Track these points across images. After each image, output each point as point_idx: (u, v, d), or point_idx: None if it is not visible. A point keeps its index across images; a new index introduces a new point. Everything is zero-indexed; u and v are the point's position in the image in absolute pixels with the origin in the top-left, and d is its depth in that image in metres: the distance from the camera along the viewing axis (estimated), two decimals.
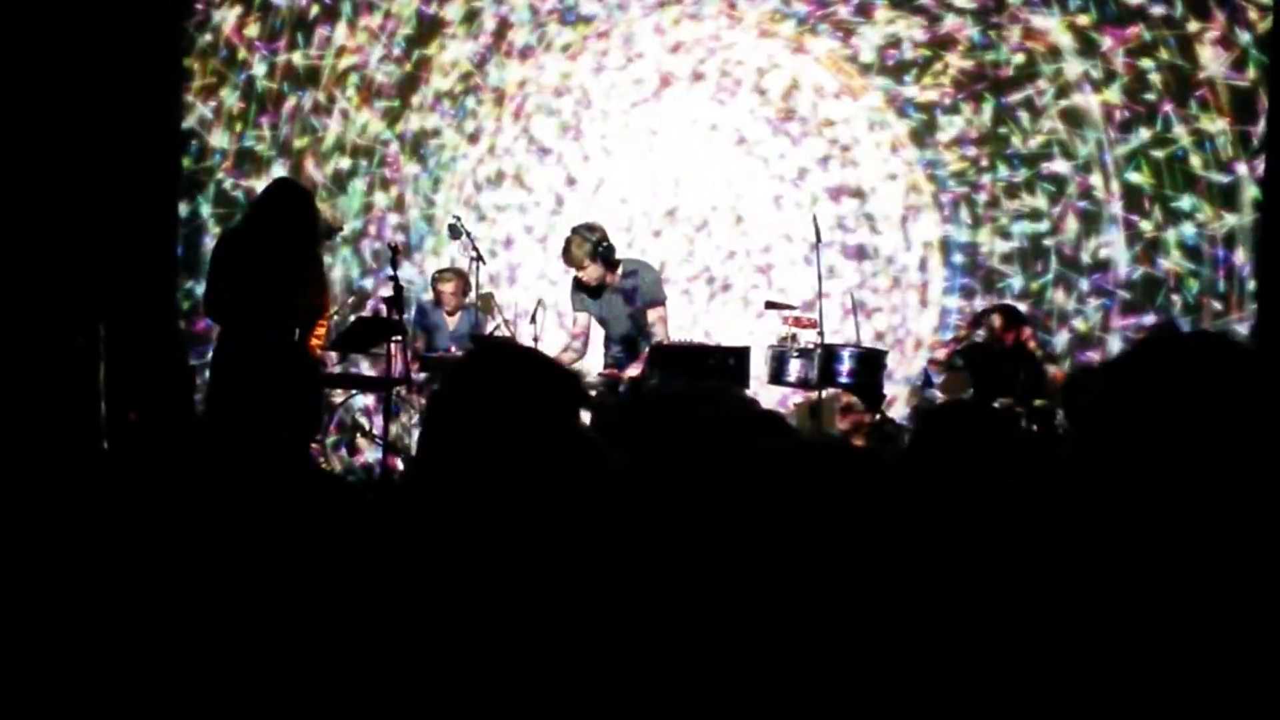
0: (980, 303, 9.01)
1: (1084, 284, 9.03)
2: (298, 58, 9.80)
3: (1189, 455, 1.79)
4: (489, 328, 8.90)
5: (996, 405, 7.83)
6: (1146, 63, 8.89)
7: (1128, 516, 1.81)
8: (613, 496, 2.09)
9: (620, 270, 7.92)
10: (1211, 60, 8.79)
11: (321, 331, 7.38)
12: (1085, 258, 9.02)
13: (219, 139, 9.84)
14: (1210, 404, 1.80)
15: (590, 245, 7.74)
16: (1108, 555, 1.90)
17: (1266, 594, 1.76)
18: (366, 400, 9.01)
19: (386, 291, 7.80)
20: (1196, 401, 1.81)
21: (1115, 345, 8.82)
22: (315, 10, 9.78)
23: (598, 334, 8.21)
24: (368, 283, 9.70)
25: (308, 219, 6.66)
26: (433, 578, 2.08)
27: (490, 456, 2.11)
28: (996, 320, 8.39)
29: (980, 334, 8.44)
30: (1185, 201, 8.89)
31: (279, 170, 9.58)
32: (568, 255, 7.85)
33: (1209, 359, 1.85)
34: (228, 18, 9.82)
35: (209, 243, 9.72)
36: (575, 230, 7.90)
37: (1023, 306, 8.78)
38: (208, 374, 8.55)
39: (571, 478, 2.07)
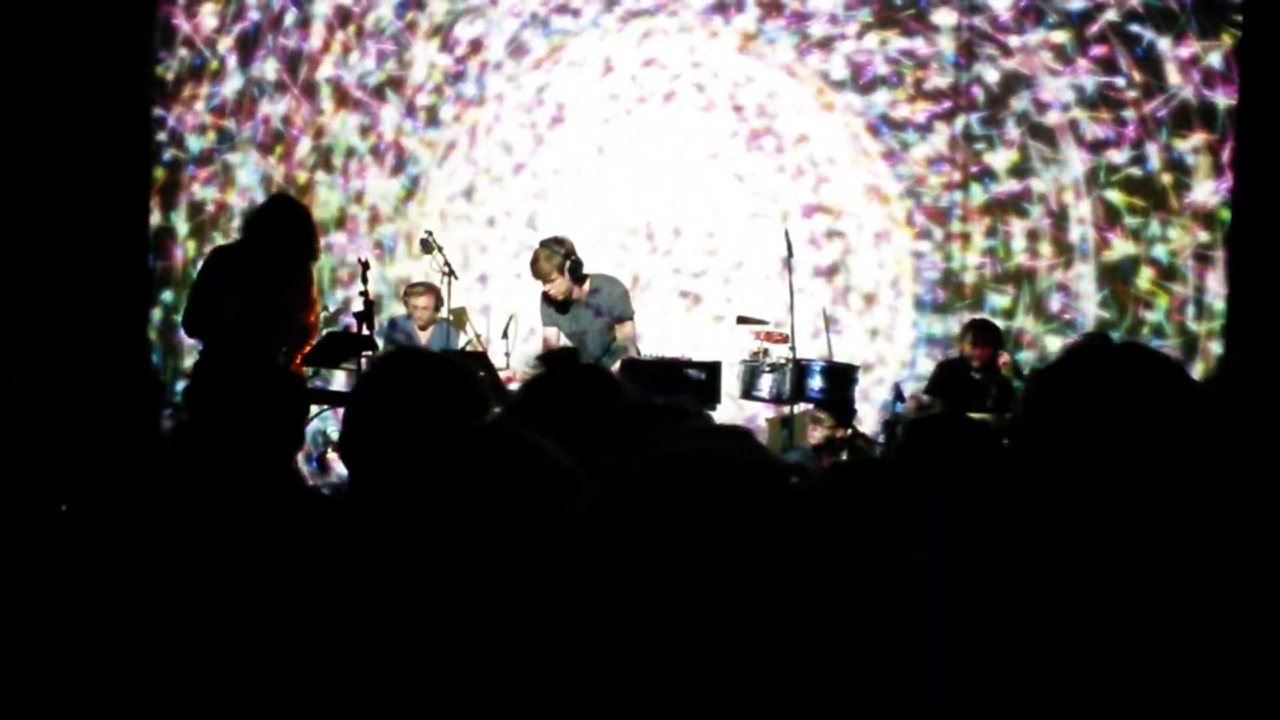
0: (953, 321, 9.05)
1: (1054, 303, 9.05)
2: (271, 69, 9.78)
3: (1125, 454, 1.83)
4: (461, 342, 8.88)
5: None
6: (1119, 81, 8.93)
7: (1067, 511, 1.84)
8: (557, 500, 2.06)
9: (588, 285, 7.92)
10: (1183, 79, 8.84)
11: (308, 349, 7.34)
12: (1057, 275, 9.05)
13: (191, 147, 9.82)
14: (1142, 407, 1.85)
15: (558, 258, 7.74)
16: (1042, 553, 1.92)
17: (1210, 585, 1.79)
18: (338, 416, 8.98)
19: (358, 306, 7.78)
20: (1131, 404, 1.86)
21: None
22: (290, 18, 9.77)
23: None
24: (339, 295, 9.67)
25: (304, 238, 6.61)
26: (367, 587, 2.06)
27: (400, 462, 2.10)
28: (970, 336, 8.43)
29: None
30: (1156, 219, 8.93)
31: (247, 179, 9.60)
32: (535, 268, 7.85)
33: (1137, 366, 1.91)
34: (201, 27, 9.80)
35: (179, 254, 9.71)
36: (543, 243, 7.91)
37: (999, 323, 8.81)
38: (183, 385, 8.53)
39: (499, 484, 2.05)
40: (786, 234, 8.35)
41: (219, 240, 9.26)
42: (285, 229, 6.53)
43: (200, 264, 7.01)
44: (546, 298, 7.93)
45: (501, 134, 9.67)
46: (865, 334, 9.30)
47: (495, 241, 9.68)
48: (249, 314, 6.37)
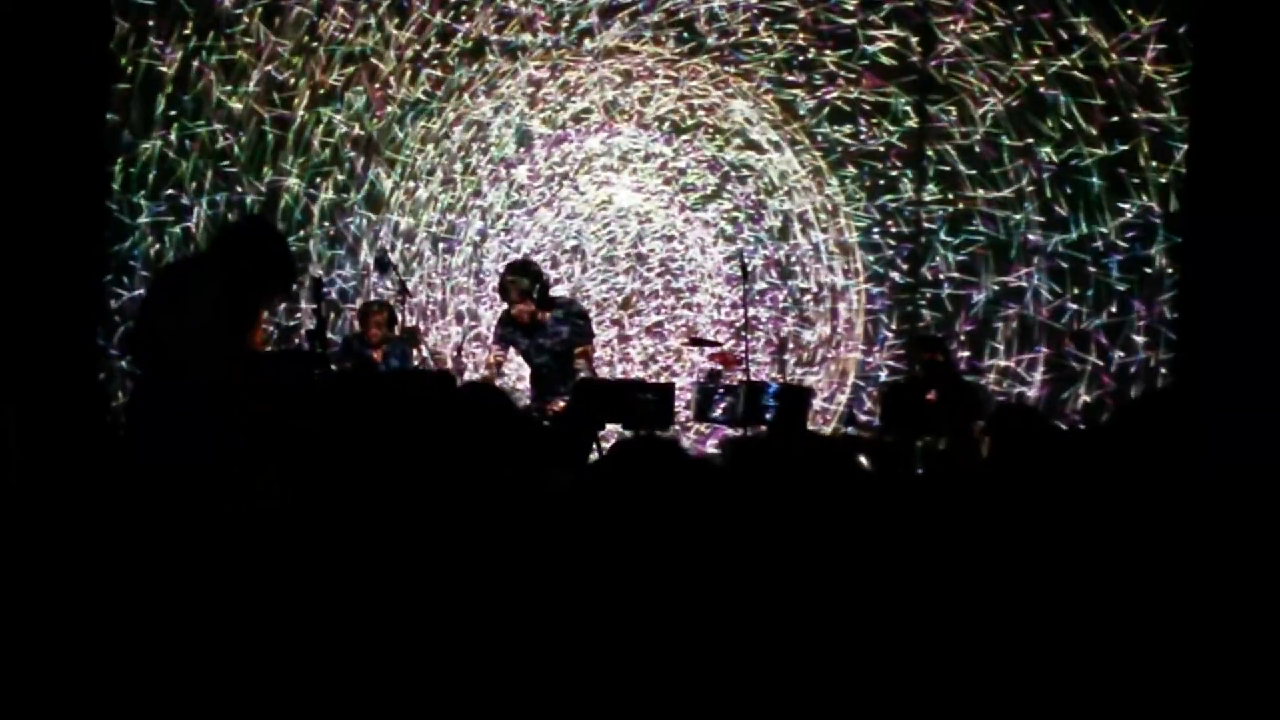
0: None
1: (1000, 347, 9.10)
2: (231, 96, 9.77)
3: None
4: (414, 362, 8.86)
5: (921, 444, 7.89)
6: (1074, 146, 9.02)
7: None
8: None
9: (550, 309, 7.91)
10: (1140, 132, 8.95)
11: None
12: (1011, 307, 9.11)
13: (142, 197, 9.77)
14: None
15: (527, 282, 7.73)
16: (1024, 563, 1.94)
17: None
18: None
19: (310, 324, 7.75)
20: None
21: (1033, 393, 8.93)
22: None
23: (522, 369, 8.19)
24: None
25: (276, 271, 6.00)
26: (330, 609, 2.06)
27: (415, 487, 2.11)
28: (915, 353, 8.41)
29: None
30: (1104, 246, 9.01)
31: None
32: (503, 291, 7.83)
33: None
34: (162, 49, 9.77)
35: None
36: (510, 266, 7.90)
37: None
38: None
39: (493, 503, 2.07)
40: (742, 257, 8.38)
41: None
42: (257, 259, 5.89)
43: (152, 280, 6.70)
44: (509, 318, 7.91)
45: (463, 155, 9.68)
46: (819, 357, 9.33)
47: (450, 265, 9.67)
48: (204, 340, 6.03)
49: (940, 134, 9.15)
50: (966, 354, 9.06)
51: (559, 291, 8.83)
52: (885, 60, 9.21)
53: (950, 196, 9.15)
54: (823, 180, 9.33)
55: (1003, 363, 9.05)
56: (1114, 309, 8.92)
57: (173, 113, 9.73)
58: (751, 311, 8.56)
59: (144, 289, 7.21)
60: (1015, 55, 9.04)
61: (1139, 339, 8.89)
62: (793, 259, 9.37)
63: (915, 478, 7.31)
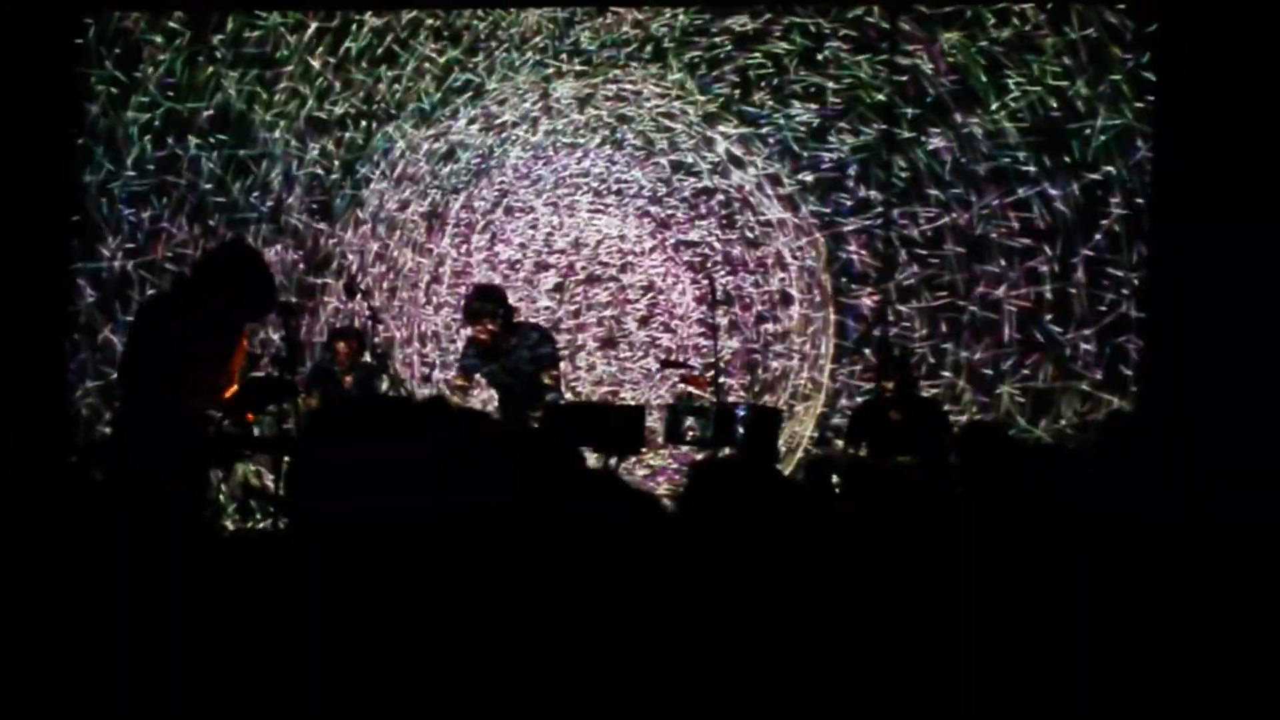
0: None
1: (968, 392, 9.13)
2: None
3: None
4: (383, 387, 8.84)
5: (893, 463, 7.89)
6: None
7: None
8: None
9: (516, 333, 7.91)
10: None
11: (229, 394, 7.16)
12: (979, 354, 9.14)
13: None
14: None
15: (491, 307, 7.73)
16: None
17: None
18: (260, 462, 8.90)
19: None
20: None
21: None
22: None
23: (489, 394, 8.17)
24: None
25: (258, 295, 6.13)
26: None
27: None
28: (880, 371, 8.41)
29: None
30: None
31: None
32: (468, 317, 7.83)
33: None
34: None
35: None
36: (476, 291, 7.90)
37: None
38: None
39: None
40: (713, 281, 8.40)
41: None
42: (240, 283, 6.00)
43: (137, 312, 6.68)
44: (475, 343, 7.91)
45: (429, 176, 9.68)
46: (790, 378, 9.33)
47: (418, 290, 9.67)
48: (189, 369, 6.01)
49: (911, 152, 9.19)
50: (948, 373, 9.08)
51: (528, 314, 8.84)
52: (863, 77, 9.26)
53: (921, 216, 9.18)
54: (795, 202, 9.35)
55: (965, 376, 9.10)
56: (1081, 319, 8.99)
57: (146, 136, 9.72)
58: (722, 334, 8.54)
59: (131, 317, 7.27)
60: (984, 79, 9.11)
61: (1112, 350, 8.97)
62: (762, 278, 9.38)
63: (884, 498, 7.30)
